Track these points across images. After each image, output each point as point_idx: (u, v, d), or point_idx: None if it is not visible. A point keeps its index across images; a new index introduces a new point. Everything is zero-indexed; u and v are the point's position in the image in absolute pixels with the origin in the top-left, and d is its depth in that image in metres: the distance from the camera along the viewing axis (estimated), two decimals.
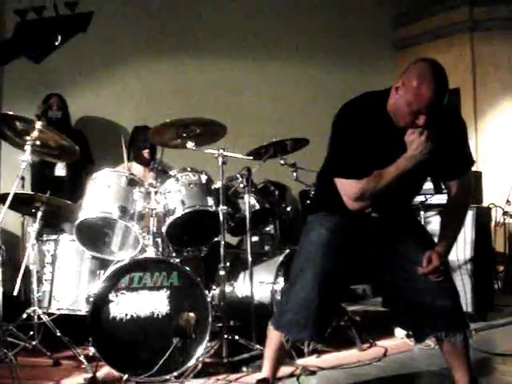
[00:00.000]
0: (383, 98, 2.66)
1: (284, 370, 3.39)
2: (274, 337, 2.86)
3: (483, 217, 5.22)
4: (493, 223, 5.75)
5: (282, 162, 4.40)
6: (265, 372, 2.93)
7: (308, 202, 3.03)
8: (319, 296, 2.71)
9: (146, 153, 4.70)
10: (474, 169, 5.63)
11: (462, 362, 2.75)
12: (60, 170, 5.05)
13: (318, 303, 2.71)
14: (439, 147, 2.56)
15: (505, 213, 6.07)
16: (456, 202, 2.82)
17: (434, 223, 5.15)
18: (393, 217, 2.80)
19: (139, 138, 4.74)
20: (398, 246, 2.78)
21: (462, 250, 4.99)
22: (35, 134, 3.50)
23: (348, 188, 2.63)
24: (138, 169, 4.63)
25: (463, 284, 4.92)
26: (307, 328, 2.74)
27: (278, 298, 3.92)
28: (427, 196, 5.10)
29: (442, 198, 5.12)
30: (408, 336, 4.33)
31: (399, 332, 4.41)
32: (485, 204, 5.44)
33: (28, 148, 3.48)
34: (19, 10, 1.92)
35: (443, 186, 2.84)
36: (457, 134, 2.75)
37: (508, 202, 6.06)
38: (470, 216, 5.03)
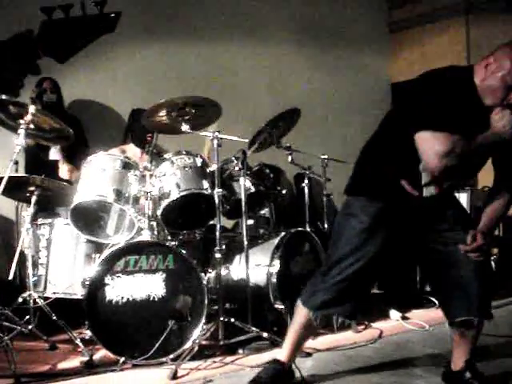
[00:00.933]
0: (469, 74, 2.63)
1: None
2: (301, 314, 2.87)
3: (477, 199, 5.23)
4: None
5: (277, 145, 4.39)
6: (284, 353, 2.94)
7: (351, 179, 2.91)
8: (357, 282, 2.75)
9: (149, 136, 4.69)
10: None
11: (470, 346, 2.84)
12: (54, 153, 5.02)
13: (355, 288, 2.76)
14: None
15: None
16: (506, 186, 2.81)
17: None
18: (442, 195, 2.74)
19: (139, 121, 4.71)
20: (440, 225, 2.78)
21: None
22: (29, 117, 3.48)
23: (437, 141, 2.49)
24: (134, 151, 4.59)
25: None
26: (339, 305, 2.78)
27: (274, 280, 3.93)
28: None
29: None
30: (403, 318, 4.36)
31: (394, 314, 4.44)
32: (479, 187, 5.44)
33: (22, 132, 3.46)
34: (46, 7, 1.89)
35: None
36: None
37: None
38: (464, 198, 5.05)
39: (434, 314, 4.63)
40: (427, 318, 4.41)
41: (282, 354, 2.95)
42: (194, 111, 3.78)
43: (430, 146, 2.51)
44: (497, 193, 2.83)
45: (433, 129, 2.51)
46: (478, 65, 2.62)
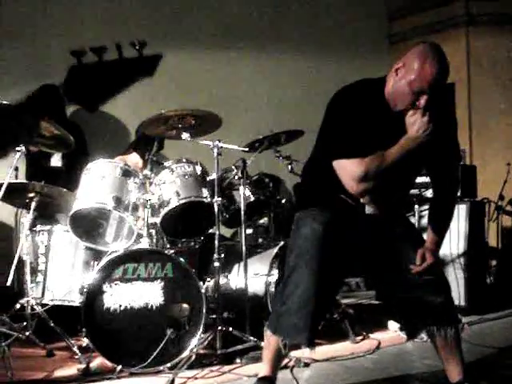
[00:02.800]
0: (379, 85, 2.65)
1: None
2: (271, 341, 2.77)
3: (477, 211, 5.24)
4: (486, 218, 5.76)
5: (276, 154, 4.40)
6: (265, 371, 2.84)
7: (299, 196, 3.04)
8: (316, 293, 2.63)
9: (157, 143, 4.73)
10: (467, 163, 5.67)
11: (454, 355, 2.76)
12: (56, 160, 5.03)
13: (315, 301, 2.64)
14: (437, 131, 2.54)
15: (498, 207, 6.07)
16: (446, 195, 2.82)
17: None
18: (385, 212, 2.74)
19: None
20: (390, 241, 2.73)
21: (455, 243, 5.01)
22: None
23: (351, 168, 2.53)
24: (136, 161, 4.59)
25: (456, 278, 4.95)
26: (305, 330, 2.65)
27: (272, 290, 3.93)
28: (422, 190, 5.12)
29: None
30: (401, 329, 4.35)
31: (392, 325, 4.43)
32: (478, 198, 5.45)
33: None
34: (76, 51, 1.86)
35: (429, 179, 2.85)
36: (450, 123, 2.73)
37: (501, 196, 6.06)
38: (463, 210, 5.05)
39: None
40: None
41: (264, 369, 2.84)
42: (193, 121, 3.79)
43: (345, 173, 2.55)
44: (436, 204, 2.84)
45: (345, 157, 2.54)
46: (389, 72, 2.63)
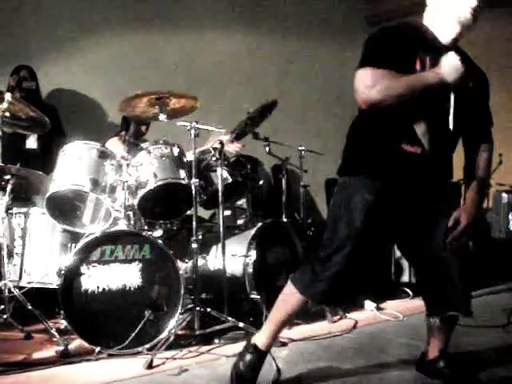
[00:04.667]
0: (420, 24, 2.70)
1: None
2: (295, 301, 2.72)
3: (453, 193, 5.27)
4: (461, 199, 5.81)
5: (253, 136, 4.41)
6: (263, 341, 2.77)
7: (346, 159, 2.78)
8: (358, 265, 2.63)
9: (143, 128, 4.73)
10: None
11: (447, 337, 2.86)
12: (32, 142, 4.99)
13: (355, 272, 2.64)
14: (470, 95, 2.59)
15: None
16: (482, 151, 2.84)
17: None
18: (437, 162, 2.69)
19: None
20: (432, 212, 2.70)
21: None
22: (5, 105, 3.45)
23: (364, 75, 2.50)
24: (116, 146, 4.57)
25: None
26: (339, 297, 2.71)
27: (250, 270, 3.95)
28: None
29: None
30: (377, 308, 4.41)
31: (369, 304, 4.48)
32: (454, 180, 5.49)
33: None
34: None
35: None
36: (483, 90, 2.79)
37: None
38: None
39: (409, 304, 4.71)
40: (401, 308, 4.47)
41: (261, 341, 2.77)
42: (171, 102, 3.78)
43: (358, 81, 2.51)
44: (476, 152, 2.83)
45: (363, 65, 2.52)
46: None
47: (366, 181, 2.61)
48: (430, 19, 2.67)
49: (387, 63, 2.48)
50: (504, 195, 6.18)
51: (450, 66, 2.47)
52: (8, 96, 3.44)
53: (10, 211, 3.93)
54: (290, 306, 2.74)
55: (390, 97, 2.48)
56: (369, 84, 2.47)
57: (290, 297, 2.74)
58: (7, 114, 3.49)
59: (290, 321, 2.86)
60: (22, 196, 4.23)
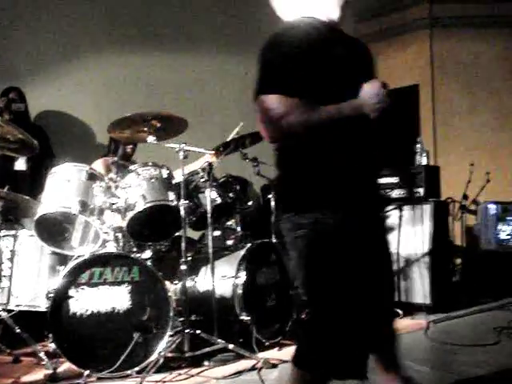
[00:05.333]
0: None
1: (245, 364, 3.43)
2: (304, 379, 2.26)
3: (441, 211, 5.32)
4: (450, 217, 5.86)
5: (243, 157, 4.42)
6: None
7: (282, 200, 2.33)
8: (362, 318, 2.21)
9: (129, 148, 4.73)
10: (431, 163, 5.75)
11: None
12: (21, 164, 4.99)
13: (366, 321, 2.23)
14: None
15: (462, 206, 6.18)
16: None
17: (393, 217, 5.25)
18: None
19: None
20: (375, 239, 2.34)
21: (420, 243, 5.09)
22: None
23: (273, 102, 2.10)
24: (104, 167, 4.58)
25: (421, 276, 5.03)
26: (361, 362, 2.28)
27: (239, 292, 3.93)
28: (386, 190, 5.20)
29: (401, 193, 5.26)
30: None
31: None
32: (442, 198, 5.54)
33: None
34: None
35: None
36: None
37: (465, 196, 6.17)
38: (427, 210, 5.14)
39: (398, 323, 4.66)
40: None
41: None
42: (159, 125, 3.79)
43: (265, 109, 2.13)
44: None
45: (271, 91, 2.12)
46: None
47: (324, 217, 2.16)
48: (311, 9, 2.33)
49: (302, 89, 2.12)
50: (491, 206, 6.23)
51: (371, 99, 2.17)
52: None
53: None
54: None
55: (301, 131, 2.14)
56: (277, 115, 2.10)
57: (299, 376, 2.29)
58: None
59: None
60: (11, 218, 4.22)
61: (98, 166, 4.50)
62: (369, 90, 2.18)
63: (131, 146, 4.73)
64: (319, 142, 2.18)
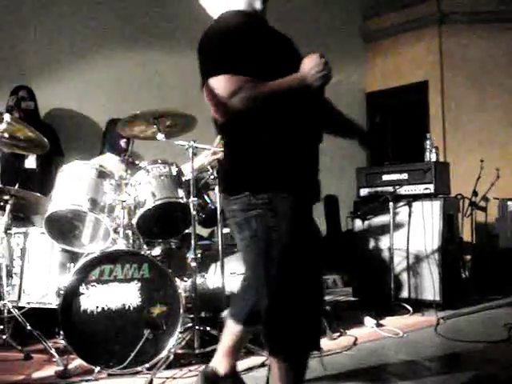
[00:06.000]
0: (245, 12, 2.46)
1: (255, 360, 3.44)
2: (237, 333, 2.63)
3: (451, 207, 5.31)
4: (460, 214, 5.84)
5: None
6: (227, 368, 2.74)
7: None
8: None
9: (123, 142, 4.74)
10: (441, 159, 5.74)
11: None
12: (31, 162, 5.01)
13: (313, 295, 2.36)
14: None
15: (472, 203, 6.17)
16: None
17: (403, 213, 5.24)
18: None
19: (115, 130, 4.78)
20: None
21: (430, 239, 5.08)
22: (3, 126, 3.47)
23: (223, 83, 2.19)
24: (113, 160, 4.61)
25: (431, 273, 5.01)
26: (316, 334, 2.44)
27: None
28: (395, 187, 5.19)
29: (411, 189, 5.24)
30: (377, 325, 4.40)
31: (369, 321, 4.47)
32: (452, 195, 5.52)
33: None
34: None
35: None
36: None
37: (475, 192, 6.16)
38: (437, 206, 5.12)
39: (408, 320, 4.70)
40: (401, 324, 4.45)
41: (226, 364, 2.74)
42: (168, 122, 3.80)
43: (216, 90, 2.22)
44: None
45: (220, 72, 2.22)
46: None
47: (274, 196, 2.25)
48: (236, 3, 2.48)
49: (243, 66, 2.21)
50: (510, 203, 6.22)
51: (309, 68, 2.28)
52: (7, 117, 3.46)
53: (9, 231, 3.93)
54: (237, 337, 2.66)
55: (251, 106, 2.21)
56: (227, 93, 2.18)
57: (233, 332, 2.63)
58: (6, 134, 3.51)
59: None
60: (21, 216, 4.24)
61: (110, 160, 4.52)
62: (308, 62, 2.29)
63: (125, 140, 4.74)
64: (270, 120, 2.27)
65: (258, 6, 2.50)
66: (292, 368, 2.32)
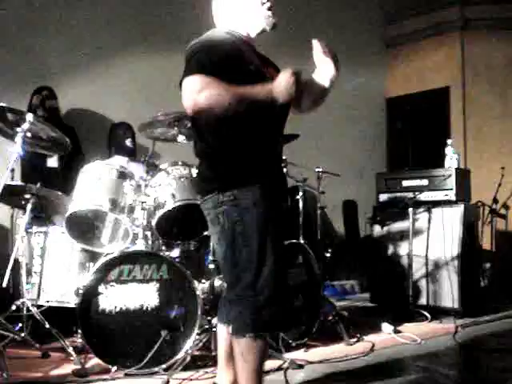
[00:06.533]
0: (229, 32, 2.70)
1: (271, 364, 3.43)
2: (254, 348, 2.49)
3: (471, 214, 5.27)
4: (480, 221, 5.80)
5: None
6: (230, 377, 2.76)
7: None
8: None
9: (128, 142, 4.78)
10: (462, 167, 5.69)
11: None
12: (53, 161, 5.06)
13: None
14: None
15: (492, 210, 6.12)
16: None
17: (422, 220, 5.21)
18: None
19: (119, 132, 4.88)
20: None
21: (449, 246, 5.04)
22: (26, 125, 3.50)
23: (194, 81, 2.40)
24: (120, 161, 4.65)
25: (450, 280, 4.98)
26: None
27: None
28: (415, 193, 5.16)
29: (431, 196, 5.21)
30: (395, 331, 4.38)
31: (386, 327, 4.45)
32: (472, 202, 5.48)
33: (19, 140, 3.47)
34: None
35: None
36: None
37: (495, 199, 6.11)
38: (458, 213, 5.08)
39: (426, 327, 4.67)
40: (419, 331, 4.43)
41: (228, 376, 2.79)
42: (189, 124, 3.80)
43: (187, 89, 2.43)
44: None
45: (192, 73, 2.44)
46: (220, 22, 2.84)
47: (253, 193, 2.49)
48: (237, 24, 2.76)
49: (217, 71, 2.40)
50: None
51: (284, 85, 2.43)
52: (30, 116, 3.49)
53: (29, 230, 3.97)
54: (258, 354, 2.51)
55: (218, 105, 2.37)
56: (196, 89, 2.36)
57: (249, 348, 2.48)
58: (28, 134, 3.54)
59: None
60: (42, 215, 4.27)
61: (120, 161, 4.56)
62: (280, 77, 2.45)
63: (130, 140, 4.77)
64: (236, 122, 2.47)
65: (252, 34, 2.78)
66: (262, 345, 2.50)
